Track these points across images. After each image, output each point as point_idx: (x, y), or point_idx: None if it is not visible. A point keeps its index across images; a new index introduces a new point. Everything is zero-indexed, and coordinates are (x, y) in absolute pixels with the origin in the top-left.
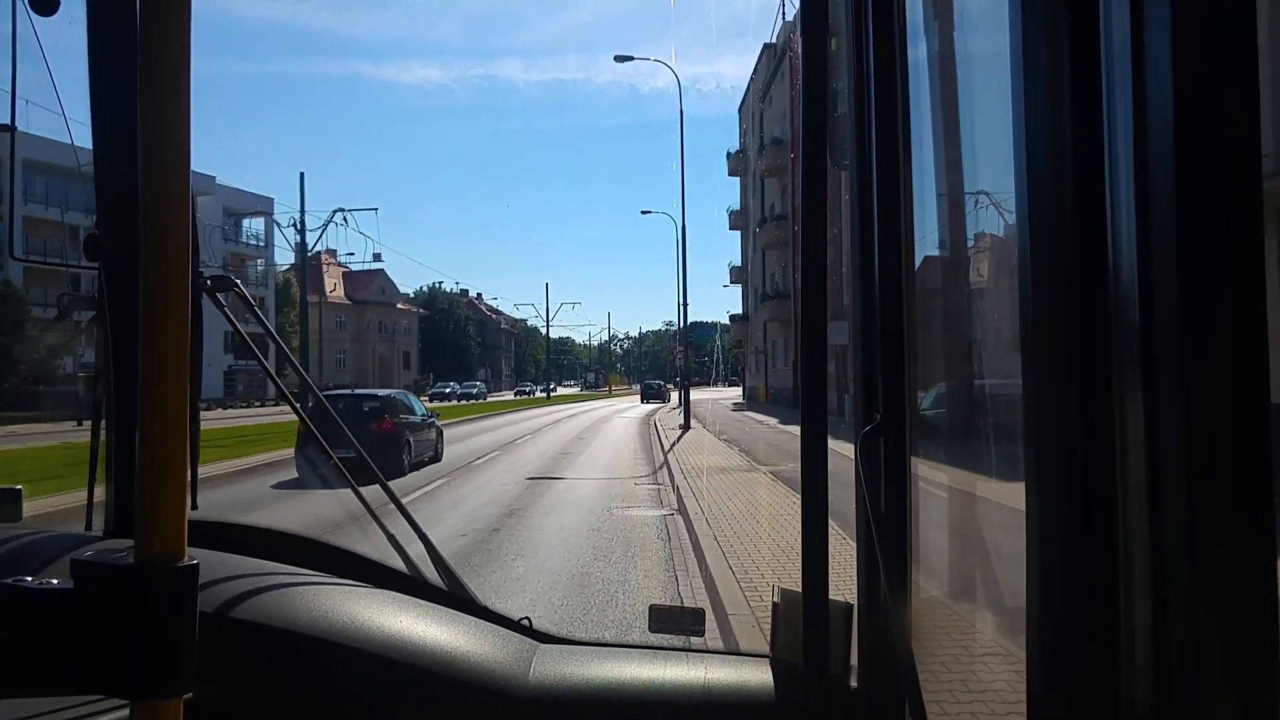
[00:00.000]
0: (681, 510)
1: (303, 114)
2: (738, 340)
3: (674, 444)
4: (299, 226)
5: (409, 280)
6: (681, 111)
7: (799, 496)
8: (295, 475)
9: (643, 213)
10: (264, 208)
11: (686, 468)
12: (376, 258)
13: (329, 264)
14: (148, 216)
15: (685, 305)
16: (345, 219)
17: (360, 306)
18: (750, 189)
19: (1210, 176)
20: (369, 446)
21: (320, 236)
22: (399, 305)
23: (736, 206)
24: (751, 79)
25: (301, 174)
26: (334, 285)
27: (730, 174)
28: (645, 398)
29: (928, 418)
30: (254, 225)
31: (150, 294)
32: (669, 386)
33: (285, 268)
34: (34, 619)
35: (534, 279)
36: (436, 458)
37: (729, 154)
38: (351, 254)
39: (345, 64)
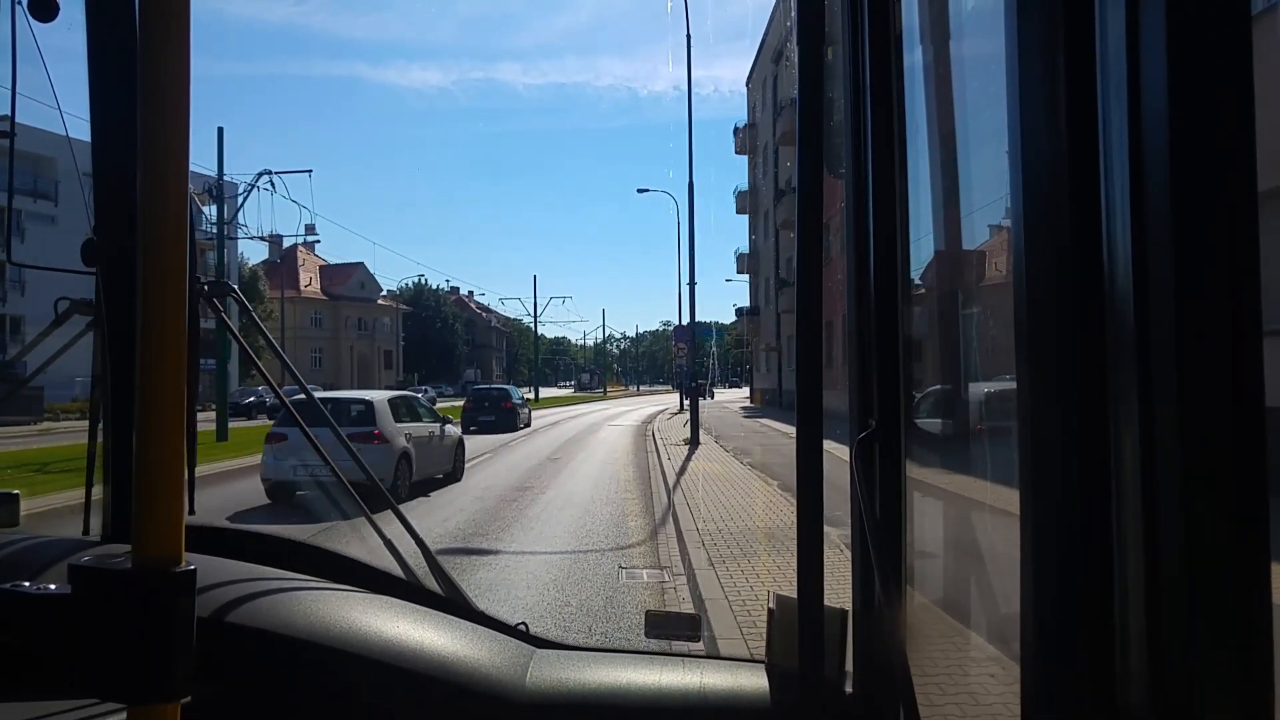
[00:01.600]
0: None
1: (300, 114)
2: (738, 340)
3: (680, 471)
4: (215, 193)
5: (394, 275)
6: (689, 36)
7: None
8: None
9: (639, 190)
10: (226, 193)
11: (709, 530)
12: (309, 229)
13: (304, 257)
14: (146, 222)
15: (693, 284)
16: (273, 183)
17: (337, 302)
18: (761, 167)
19: (1206, 180)
20: (501, 417)
21: (242, 203)
22: (380, 301)
23: (744, 187)
24: (762, 43)
25: (220, 128)
26: (309, 279)
27: (737, 152)
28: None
29: (922, 424)
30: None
31: (148, 299)
32: (704, 383)
33: (257, 262)
34: (32, 623)
35: (527, 277)
36: (528, 424)
37: (736, 128)
38: (279, 237)
39: (344, 65)
